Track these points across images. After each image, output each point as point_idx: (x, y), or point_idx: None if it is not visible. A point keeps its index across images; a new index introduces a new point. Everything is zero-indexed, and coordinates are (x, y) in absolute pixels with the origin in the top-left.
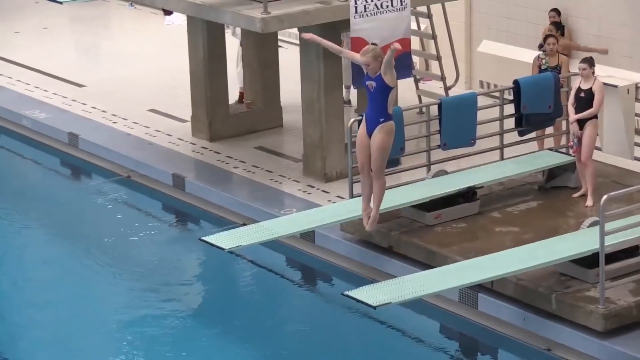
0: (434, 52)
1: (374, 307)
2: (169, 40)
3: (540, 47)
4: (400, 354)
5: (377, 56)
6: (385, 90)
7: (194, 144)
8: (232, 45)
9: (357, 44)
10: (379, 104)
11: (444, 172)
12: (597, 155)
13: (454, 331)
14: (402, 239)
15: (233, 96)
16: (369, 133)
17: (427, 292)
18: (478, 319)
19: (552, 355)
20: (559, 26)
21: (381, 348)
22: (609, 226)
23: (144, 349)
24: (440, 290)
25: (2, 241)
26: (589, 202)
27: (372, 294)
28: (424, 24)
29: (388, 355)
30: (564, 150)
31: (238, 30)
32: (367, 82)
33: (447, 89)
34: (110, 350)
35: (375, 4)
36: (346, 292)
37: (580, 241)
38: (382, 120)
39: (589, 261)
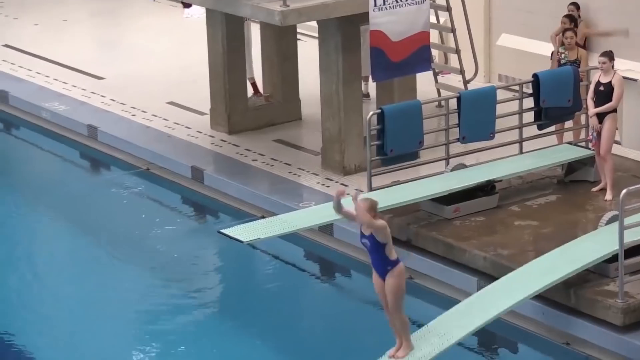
0: (453, 45)
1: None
2: (187, 33)
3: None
4: None
5: (370, 209)
6: (379, 247)
7: (212, 136)
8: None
9: (376, 38)
10: (380, 257)
11: (462, 166)
12: (616, 149)
13: None
14: (420, 232)
15: (252, 89)
16: (382, 277)
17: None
18: None
19: (570, 349)
20: (572, 19)
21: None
22: (628, 220)
23: (162, 341)
24: (465, 335)
25: (22, 233)
26: (608, 196)
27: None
28: (443, 17)
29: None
30: (583, 144)
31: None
32: (362, 241)
33: (466, 82)
34: (129, 341)
35: None
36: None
37: (599, 241)
38: (389, 268)
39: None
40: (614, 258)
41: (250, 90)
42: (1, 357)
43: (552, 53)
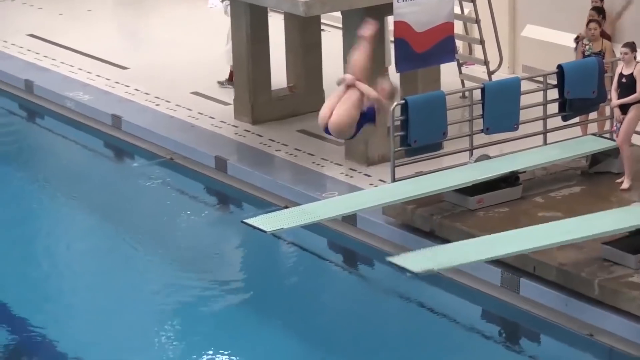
0: (477, 36)
1: (417, 274)
2: (212, 24)
3: (577, 39)
4: (441, 337)
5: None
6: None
7: (236, 126)
8: (225, 24)
9: (400, 29)
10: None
11: (486, 157)
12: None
13: (495, 316)
14: (444, 223)
15: (276, 79)
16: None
17: (472, 260)
18: (520, 304)
19: (594, 340)
20: (600, 11)
21: (422, 331)
22: None
23: (184, 331)
24: (486, 259)
25: (45, 222)
26: (625, 184)
27: (414, 261)
28: (468, 8)
29: (429, 338)
30: (607, 135)
31: (229, 9)
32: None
33: (490, 73)
34: (152, 331)
35: None
36: (389, 259)
37: (624, 216)
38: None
39: (632, 247)
40: (638, 249)
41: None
42: (24, 346)
43: (577, 44)
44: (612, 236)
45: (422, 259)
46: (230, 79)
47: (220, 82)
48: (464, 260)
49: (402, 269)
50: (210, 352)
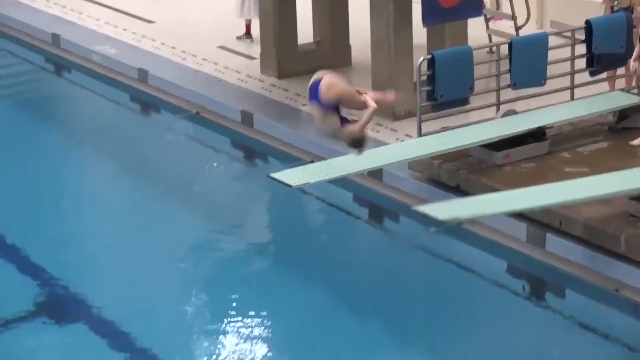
0: None
1: (442, 222)
2: None
3: None
4: (466, 292)
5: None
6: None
7: (262, 81)
8: None
9: None
10: None
11: (513, 112)
12: None
13: (521, 271)
14: (470, 178)
15: (302, 34)
16: None
17: (496, 211)
18: (546, 259)
19: (620, 296)
20: None
21: (447, 286)
22: None
23: (209, 283)
24: (510, 211)
25: (72, 176)
26: (636, 141)
27: (440, 209)
28: None
29: (454, 292)
30: (635, 91)
31: None
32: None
33: (517, 28)
34: (177, 283)
35: None
36: (415, 207)
37: None
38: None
39: None
40: None
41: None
42: (51, 300)
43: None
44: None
45: (448, 208)
46: (247, 33)
47: (238, 37)
48: (490, 211)
49: (428, 217)
50: (234, 304)
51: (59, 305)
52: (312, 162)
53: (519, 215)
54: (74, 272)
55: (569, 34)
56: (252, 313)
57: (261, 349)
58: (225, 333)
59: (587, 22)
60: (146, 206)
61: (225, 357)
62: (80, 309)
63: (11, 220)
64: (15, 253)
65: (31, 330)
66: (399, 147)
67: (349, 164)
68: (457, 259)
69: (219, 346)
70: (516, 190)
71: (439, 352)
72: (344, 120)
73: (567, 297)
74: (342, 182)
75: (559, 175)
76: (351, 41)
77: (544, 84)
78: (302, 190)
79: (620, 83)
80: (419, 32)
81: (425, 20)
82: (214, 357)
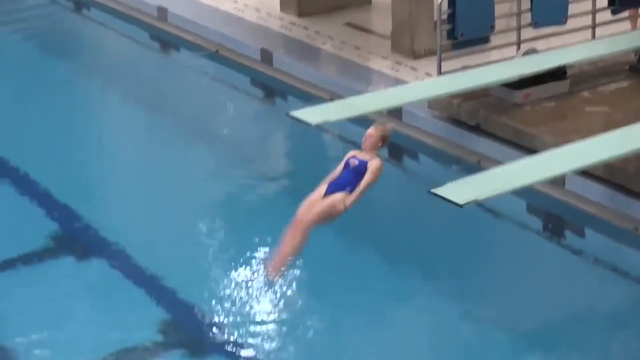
0: None
1: (461, 206)
2: None
3: None
4: (485, 231)
5: (385, 137)
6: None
7: (282, 19)
8: None
9: None
10: (357, 180)
11: (534, 51)
12: None
13: (540, 209)
14: (490, 117)
15: None
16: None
17: (514, 187)
18: (565, 198)
19: (639, 235)
20: None
21: (465, 224)
22: None
23: (226, 221)
24: (528, 184)
25: (90, 114)
26: None
27: (458, 191)
28: None
29: (472, 231)
30: None
31: None
32: (350, 160)
33: None
34: (194, 221)
35: None
36: (433, 190)
37: None
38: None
39: None
40: None
41: None
42: (68, 231)
43: None
44: None
45: (466, 189)
46: None
47: None
48: (509, 187)
49: (445, 200)
50: (250, 239)
51: (77, 239)
52: (331, 100)
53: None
54: (92, 207)
55: None
56: (268, 249)
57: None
58: (238, 265)
59: None
60: (165, 143)
61: (237, 289)
62: (98, 242)
63: (30, 156)
64: (35, 188)
65: (49, 264)
66: (419, 85)
67: (369, 102)
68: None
69: (232, 277)
70: (536, 156)
71: (457, 291)
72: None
73: (586, 236)
74: (361, 120)
75: (580, 115)
76: None
77: (565, 22)
78: (321, 128)
79: None
80: None
81: None
82: (227, 288)
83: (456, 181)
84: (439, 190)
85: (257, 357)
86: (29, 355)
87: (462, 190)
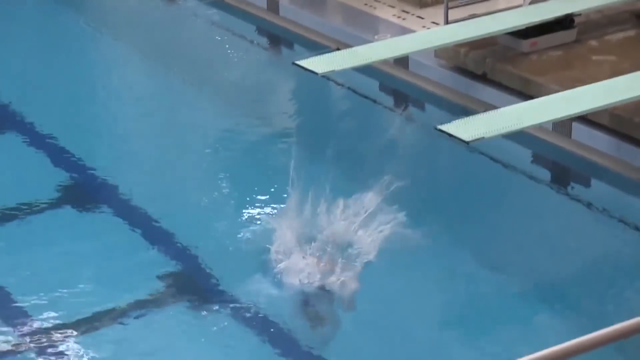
0: None
1: (467, 143)
2: None
3: None
4: (490, 182)
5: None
6: None
7: None
8: None
9: None
10: None
11: None
12: None
13: (546, 159)
14: (496, 66)
15: None
16: None
17: (522, 126)
18: (571, 148)
19: None
20: None
21: (471, 175)
22: None
23: (233, 171)
24: (535, 124)
25: (96, 63)
26: None
27: (465, 129)
28: None
29: (479, 182)
30: None
31: None
32: None
33: None
34: (200, 170)
35: None
36: (439, 127)
37: None
38: None
39: None
40: None
41: None
42: (80, 185)
43: None
44: None
45: (473, 126)
46: None
47: None
48: (514, 127)
49: (452, 137)
50: (255, 188)
51: (84, 189)
52: (338, 49)
53: None
54: (99, 157)
55: None
56: (275, 200)
57: (281, 229)
58: (247, 215)
59: None
60: (168, 93)
61: (244, 237)
62: (105, 193)
63: (36, 105)
64: (42, 139)
65: (56, 214)
66: (426, 34)
67: (376, 51)
68: (482, 148)
69: (239, 226)
70: (543, 98)
71: (461, 240)
72: None
73: (592, 186)
74: (367, 69)
75: (587, 63)
76: None
77: None
78: (327, 77)
79: None
80: None
81: None
82: (235, 236)
83: (463, 119)
84: (446, 127)
85: (258, 305)
86: (34, 305)
87: (469, 127)
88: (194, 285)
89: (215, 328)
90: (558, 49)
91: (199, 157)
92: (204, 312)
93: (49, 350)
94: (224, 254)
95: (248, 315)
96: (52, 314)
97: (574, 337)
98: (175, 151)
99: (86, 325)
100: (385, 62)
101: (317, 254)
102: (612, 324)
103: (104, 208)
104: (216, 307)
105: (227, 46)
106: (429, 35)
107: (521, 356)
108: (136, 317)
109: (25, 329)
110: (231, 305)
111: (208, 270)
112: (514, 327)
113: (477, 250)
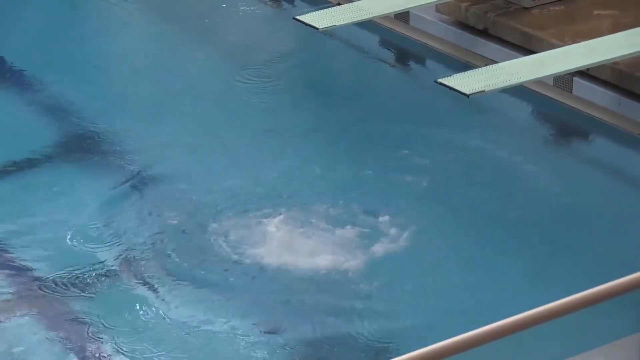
0: None
1: (468, 96)
2: None
3: None
4: (492, 137)
5: None
6: None
7: None
8: None
9: None
10: None
11: None
12: None
13: (548, 115)
14: (497, 21)
15: None
16: None
17: (522, 80)
18: (572, 103)
19: None
20: None
21: (472, 131)
22: None
23: (226, 120)
24: (536, 78)
25: (92, 19)
26: None
27: (465, 82)
28: None
29: (479, 138)
30: None
31: None
32: None
33: None
34: (198, 125)
35: None
36: (439, 80)
37: None
38: None
39: None
40: None
41: None
42: (79, 139)
43: None
44: None
45: (473, 80)
46: None
47: None
48: (515, 81)
49: (453, 90)
50: (251, 139)
51: (79, 142)
52: (338, 4)
53: None
54: (96, 110)
55: None
56: (271, 152)
57: (272, 177)
58: (238, 162)
59: None
60: (166, 49)
61: (238, 187)
62: (101, 145)
63: (34, 58)
64: (38, 93)
65: (51, 167)
66: None
67: (376, 6)
68: (481, 104)
69: (233, 174)
70: (543, 54)
71: (451, 198)
72: None
73: (593, 140)
74: (368, 25)
75: (588, 18)
76: None
77: None
78: (328, 33)
79: None
80: None
81: None
82: (226, 182)
83: (464, 72)
84: (447, 80)
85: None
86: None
87: (469, 81)
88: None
89: None
90: (560, 4)
91: (192, 107)
92: None
93: None
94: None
95: None
96: None
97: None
98: (168, 102)
99: None
100: (386, 17)
101: None
102: (623, 274)
103: (97, 158)
104: None
105: (224, 1)
106: None
107: None
108: None
109: None
110: None
111: None
112: None
113: (464, 202)
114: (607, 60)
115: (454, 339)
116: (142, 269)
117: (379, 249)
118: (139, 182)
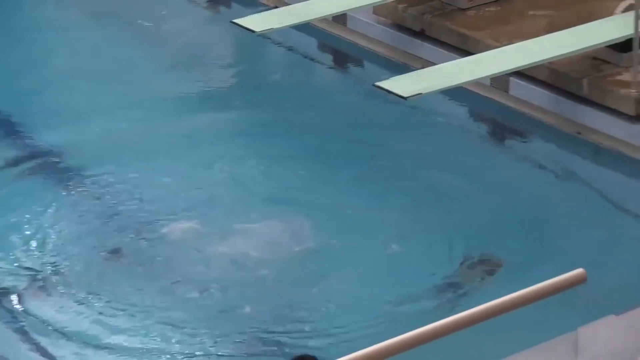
0: None
1: (405, 99)
2: None
3: None
4: (429, 137)
5: None
6: None
7: None
8: None
9: None
10: None
11: None
12: None
13: (484, 115)
14: (434, 22)
15: None
16: None
17: (459, 82)
18: (509, 103)
19: (582, 138)
20: None
21: (410, 131)
22: None
23: (172, 125)
24: (473, 80)
25: (46, 34)
26: None
27: (403, 85)
28: None
29: (417, 138)
30: None
31: None
32: None
33: None
34: (138, 125)
35: None
36: (377, 83)
37: (614, 27)
38: None
39: (622, 45)
40: (628, 48)
41: None
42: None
43: None
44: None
45: (411, 83)
46: None
47: None
48: (452, 82)
49: (390, 93)
50: (204, 148)
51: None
52: (276, 7)
53: None
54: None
55: None
56: (220, 153)
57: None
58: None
59: None
60: (111, 50)
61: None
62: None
63: None
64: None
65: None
66: None
67: (313, 8)
68: (418, 103)
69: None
70: (479, 55)
71: (401, 196)
72: None
73: (529, 139)
74: (305, 27)
75: (524, 19)
76: None
77: None
78: (265, 36)
79: None
80: None
81: None
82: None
83: (401, 75)
84: (384, 84)
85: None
86: None
87: (407, 83)
88: None
89: None
90: (495, 5)
91: (137, 109)
92: None
93: None
94: None
95: None
96: None
97: None
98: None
99: None
100: (323, 19)
101: None
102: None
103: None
104: None
105: (162, 5)
106: None
107: None
108: None
109: None
110: None
111: None
112: None
113: (412, 203)
114: (542, 60)
115: (390, 341)
116: None
117: None
118: None
